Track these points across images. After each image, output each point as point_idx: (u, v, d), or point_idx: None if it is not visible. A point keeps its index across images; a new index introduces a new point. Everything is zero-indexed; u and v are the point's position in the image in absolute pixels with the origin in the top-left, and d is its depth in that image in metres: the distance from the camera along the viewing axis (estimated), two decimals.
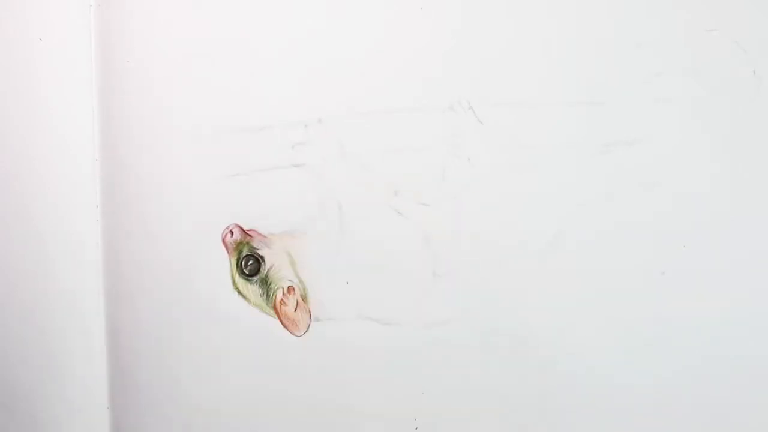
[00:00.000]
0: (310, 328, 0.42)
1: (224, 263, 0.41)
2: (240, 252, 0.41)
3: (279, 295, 0.41)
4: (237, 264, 0.40)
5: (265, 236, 0.41)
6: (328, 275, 0.42)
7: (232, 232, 0.41)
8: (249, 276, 0.40)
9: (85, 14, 0.43)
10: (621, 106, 0.43)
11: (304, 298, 0.42)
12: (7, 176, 0.43)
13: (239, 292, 0.40)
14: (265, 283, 0.40)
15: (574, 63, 0.43)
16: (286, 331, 0.42)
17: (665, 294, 0.42)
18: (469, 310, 0.42)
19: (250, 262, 0.40)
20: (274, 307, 0.42)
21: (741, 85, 0.43)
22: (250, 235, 0.41)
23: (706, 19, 0.43)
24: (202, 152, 0.43)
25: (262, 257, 0.41)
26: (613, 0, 0.43)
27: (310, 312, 0.42)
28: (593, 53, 0.43)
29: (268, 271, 0.40)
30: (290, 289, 0.42)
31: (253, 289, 0.40)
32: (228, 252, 0.41)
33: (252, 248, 0.41)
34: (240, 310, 0.42)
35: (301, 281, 0.43)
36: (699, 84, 0.43)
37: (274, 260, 0.40)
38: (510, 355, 0.42)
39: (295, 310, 0.42)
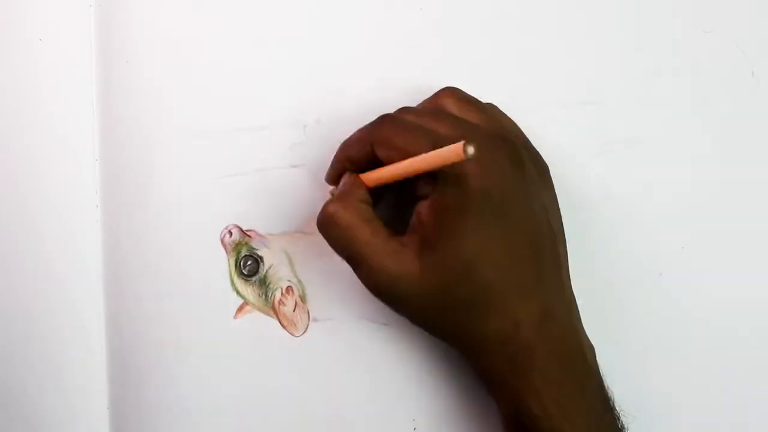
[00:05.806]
0: (308, 328, 0.42)
1: (223, 263, 0.41)
2: (239, 252, 0.41)
3: (278, 296, 0.41)
4: (235, 264, 0.40)
5: (263, 236, 0.41)
6: (327, 275, 0.42)
7: (230, 233, 0.41)
8: (247, 276, 0.40)
9: (85, 14, 0.43)
10: (619, 106, 0.43)
11: (303, 299, 0.42)
12: (7, 176, 0.43)
13: (238, 292, 0.41)
14: (264, 284, 0.40)
15: (572, 63, 0.43)
16: (285, 331, 0.42)
17: (663, 295, 0.43)
18: None
19: (249, 262, 0.40)
20: (273, 308, 0.42)
21: (739, 86, 0.43)
22: (249, 236, 0.41)
23: (704, 19, 0.43)
24: (202, 152, 0.43)
25: (260, 257, 0.41)
26: (612, 0, 0.43)
27: (308, 312, 0.43)
28: (592, 53, 0.43)
29: (266, 271, 0.40)
30: (289, 289, 0.42)
31: (251, 289, 0.41)
32: (226, 252, 0.41)
33: (251, 248, 0.41)
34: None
35: (299, 281, 0.43)
36: (697, 84, 0.43)
37: (272, 260, 0.40)
38: None
39: (294, 311, 0.42)
